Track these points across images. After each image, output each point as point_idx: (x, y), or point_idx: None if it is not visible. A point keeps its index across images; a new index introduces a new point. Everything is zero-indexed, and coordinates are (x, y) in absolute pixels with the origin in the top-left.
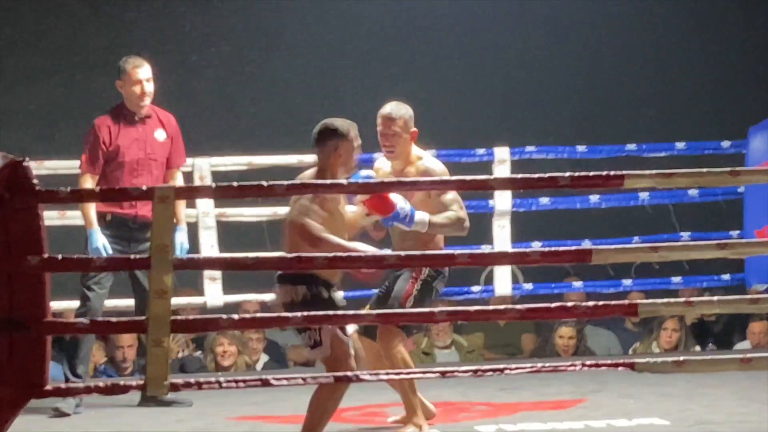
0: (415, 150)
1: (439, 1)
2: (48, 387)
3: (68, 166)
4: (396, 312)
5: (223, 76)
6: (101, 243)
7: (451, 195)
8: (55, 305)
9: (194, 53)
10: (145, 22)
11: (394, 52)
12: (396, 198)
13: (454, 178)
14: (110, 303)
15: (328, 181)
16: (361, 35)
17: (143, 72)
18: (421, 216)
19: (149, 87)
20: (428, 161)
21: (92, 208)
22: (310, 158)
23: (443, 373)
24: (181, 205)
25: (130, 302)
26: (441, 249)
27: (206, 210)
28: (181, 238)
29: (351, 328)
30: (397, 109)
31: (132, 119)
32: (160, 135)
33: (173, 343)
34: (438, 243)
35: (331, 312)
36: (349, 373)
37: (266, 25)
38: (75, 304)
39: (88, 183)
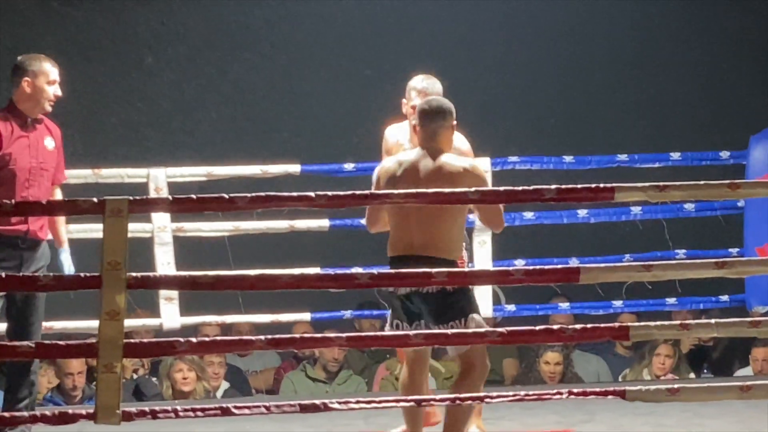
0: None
1: (416, 2)
2: None
3: None
4: (369, 335)
5: (181, 79)
6: (64, 262)
7: None
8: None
9: (150, 55)
10: (97, 21)
11: (366, 54)
12: None
13: (430, 191)
14: (59, 325)
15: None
16: (331, 36)
17: (56, 74)
18: None
19: (59, 90)
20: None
21: None
22: (275, 168)
23: (419, 402)
24: (62, 224)
25: (79, 324)
26: None
27: (162, 224)
28: (66, 260)
29: None
30: (433, 84)
31: (24, 123)
32: (50, 143)
33: (126, 361)
34: None
35: (300, 336)
36: (316, 402)
37: (228, 25)
38: None
39: None
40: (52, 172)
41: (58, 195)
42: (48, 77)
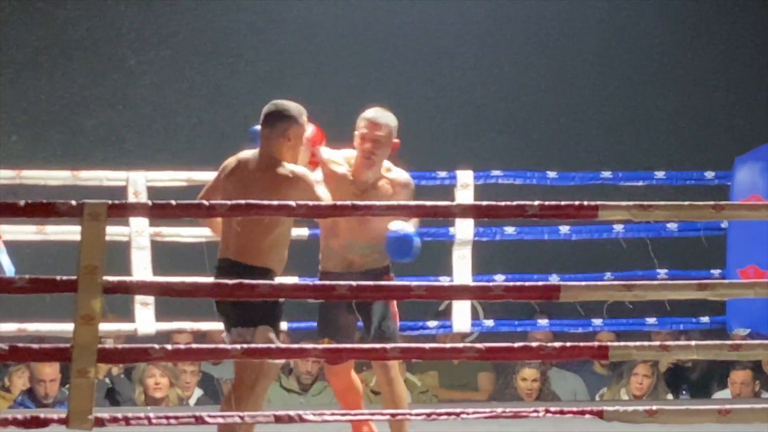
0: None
1: (400, 9)
2: None
3: None
4: (345, 347)
5: (163, 82)
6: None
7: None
8: None
9: (131, 57)
10: (78, 21)
11: (350, 61)
12: (410, 229)
13: (411, 203)
14: (33, 327)
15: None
16: (314, 42)
17: None
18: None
19: None
20: (400, 173)
21: None
22: None
23: (393, 416)
24: None
25: (53, 327)
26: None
27: (140, 229)
28: (4, 261)
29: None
30: (384, 116)
31: None
32: None
33: None
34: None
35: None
36: (291, 413)
37: (212, 29)
38: None
39: None
40: None
41: None
42: None
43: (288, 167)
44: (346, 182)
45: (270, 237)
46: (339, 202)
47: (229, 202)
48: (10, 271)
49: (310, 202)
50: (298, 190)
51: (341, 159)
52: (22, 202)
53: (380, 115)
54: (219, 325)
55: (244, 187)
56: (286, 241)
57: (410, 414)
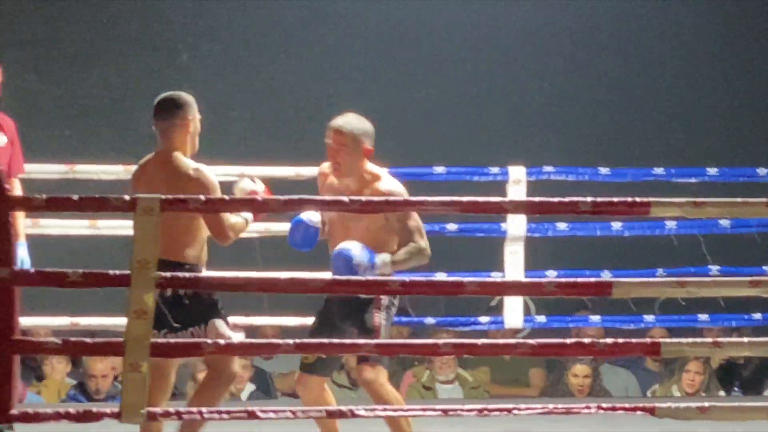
0: (372, 168)
1: (452, 5)
2: (14, 411)
3: (43, 170)
4: (397, 343)
5: (215, 77)
6: (21, 256)
7: (414, 221)
8: (24, 322)
9: (184, 51)
10: (131, 16)
11: (399, 58)
12: (351, 246)
13: (464, 199)
14: (85, 321)
15: (367, 198)
16: (368, 37)
17: None
18: (382, 259)
19: None
20: (388, 182)
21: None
22: (309, 171)
23: (446, 411)
24: (19, 218)
25: (106, 321)
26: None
27: None
28: (22, 254)
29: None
30: (347, 122)
31: None
32: (0, 139)
33: None
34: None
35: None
36: (343, 408)
37: (263, 24)
38: (47, 320)
39: None
40: (5, 169)
41: (17, 188)
42: None
43: (189, 163)
44: (333, 191)
45: (190, 233)
46: (391, 198)
47: (282, 198)
48: (27, 264)
49: (363, 198)
50: (199, 186)
51: (328, 169)
52: (75, 197)
53: (344, 122)
54: (272, 320)
55: (148, 187)
56: (205, 235)
57: (463, 409)
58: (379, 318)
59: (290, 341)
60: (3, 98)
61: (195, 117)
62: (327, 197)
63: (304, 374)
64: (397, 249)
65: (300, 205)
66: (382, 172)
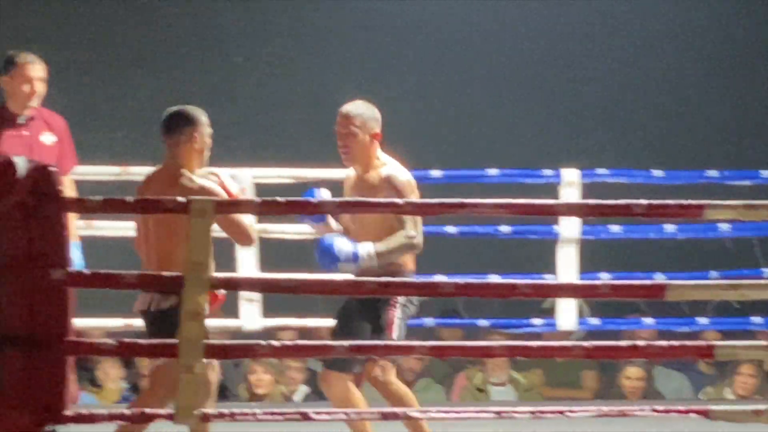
0: (381, 155)
1: (509, 8)
2: (68, 412)
3: (96, 172)
4: (450, 345)
5: (268, 79)
6: (75, 257)
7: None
8: (79, 323)
9: (237, 54)
10: (184, 18)
11: (455, 60)
12: (334, 237)
13: (517, 201)
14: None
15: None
16: (420, 41)
17: (35, 70)
18: (366, 249)
19: (40, 87)
20: (392, 167)
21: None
22: None
23: (499, 413)
24: (74, 218)
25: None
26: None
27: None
28: (76, 255)
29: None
30: (356, 107)
31: (14, 122)
32: (48, 138)
33: None
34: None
35: (381, 342)
36: (376, 410)
37: (317, 26)
38: (100, 322)
39: None
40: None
41: (68, 187)
42: (21, 75)
43: (196, 181)
44: (351, 179)
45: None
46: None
47: (338, 200)
48: (79, 265)
49: (417, 200)
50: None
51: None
52: (130, 198)
53: (352, 108)
54: (325, 322)
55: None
56: None
57: (516, 411)
58: (392, 315)
59: (345, 343)
60: (57, 99)
61: (203, 133)
62: (382, 200)
63: (327, 371)
64: None
65: (353, 207)
66: (390, 159)
